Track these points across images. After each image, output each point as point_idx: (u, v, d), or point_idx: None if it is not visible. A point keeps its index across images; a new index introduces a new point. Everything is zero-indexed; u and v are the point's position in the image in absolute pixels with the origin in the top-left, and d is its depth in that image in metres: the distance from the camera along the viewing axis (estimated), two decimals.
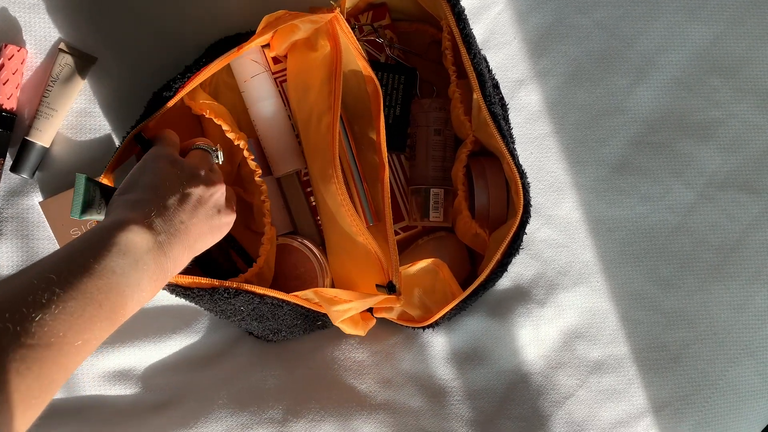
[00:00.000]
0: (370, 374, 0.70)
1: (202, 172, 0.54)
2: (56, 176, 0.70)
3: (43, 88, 0.69)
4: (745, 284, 0.76)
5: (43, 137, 0.68)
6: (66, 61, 0.69)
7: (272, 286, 0.65)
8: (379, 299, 0.59)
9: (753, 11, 0.80)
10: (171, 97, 0.59)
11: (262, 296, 0.60)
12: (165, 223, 0.47)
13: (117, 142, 0.71)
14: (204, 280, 0.59)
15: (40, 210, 0.68)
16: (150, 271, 0.45)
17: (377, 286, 0.58)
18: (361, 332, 0.65)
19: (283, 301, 0.61)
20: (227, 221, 0.56)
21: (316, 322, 0.68)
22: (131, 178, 0.51)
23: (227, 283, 0.59)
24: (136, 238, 0.44)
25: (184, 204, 0.50)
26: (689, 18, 0.79)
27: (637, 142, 0.77)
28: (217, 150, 0.60)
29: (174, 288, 0.59)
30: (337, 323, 0.63)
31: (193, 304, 0.69)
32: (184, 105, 0.64)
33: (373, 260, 0.61)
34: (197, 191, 0.52)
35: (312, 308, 0.64)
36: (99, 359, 0.68)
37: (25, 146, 0.68)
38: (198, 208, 0.51)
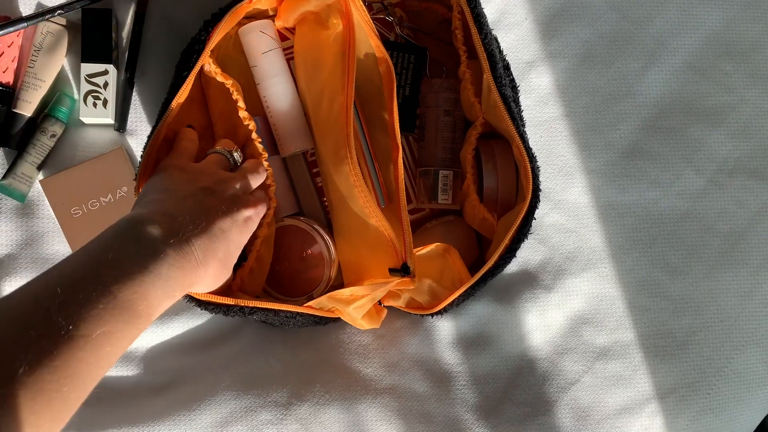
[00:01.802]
0: (375, 358, 0.69)
1: (213, 170, 0.55)
2: (57, 154, 0.68)
3: (27, 59, 0.67)
4: (753, 272, 0.76)
5: (31, 109, 0.67)
6: (48, 29, 0.67)
7: (277, 269, 0.64)
8: (393, 284, 0.58)
9: None
10: (192, 67, 0.59)
11: (276, 311, 0.59)
12: (180, 216, 0.48)
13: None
14: (218, 298, 0.58)
15: (41, 188, 0.67)
16: (170, 259, 0.45)
17: (390, 270, 0.57)
18: (377, 325, 0.64)
19: (297, 313, 0.60)
20: (246, 214, 0.55)
21: (327, 323, 0.67)
22: (143, 191, 0.53)
23: (242, 302, 0.58)
24: (151, 229, 0.45)
25: (196, 199, 0.51)
26: (702, 1, 0.78)
27: (647, 127, 0.76)
28: (233, 152, 0.60)
29: (190, 299, 0.58)
30: (357, 323, 0.63)
31: None
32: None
33: (385, 243, 0.60)
34: (209, 186, 0.53)
35: (325, 315, 0.63)
36: None
37: (13, 118, 0.66)
38: (213, 202, 0.52)
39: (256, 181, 0.60)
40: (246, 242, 0.56)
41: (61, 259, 0.43)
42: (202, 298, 0.57)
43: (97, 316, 0.39)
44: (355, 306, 0.61)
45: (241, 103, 0.63)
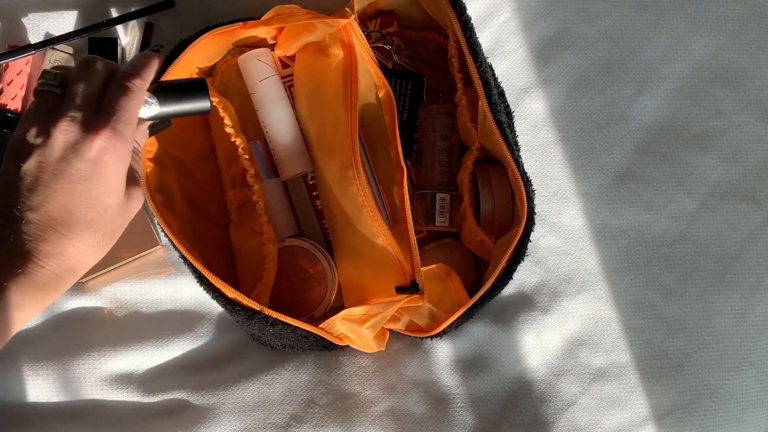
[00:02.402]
0: (374, 380, 0.69)
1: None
2: None
3: (34, 86, 0.69)
4: (747, 293, 0.77)
5: None
6: (55, 57, 0.69)
7: (278, 289, 0.65)
8: (403, 301, 0.59)
9: (755, 23, 0.81)
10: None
11: (294, 327, 0.60)
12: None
13: None
14: (245, 300, 0.58)
15: None
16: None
17: (397, 288, 0.58)
18: (383, 347, 0.65)
19: (312, 333, 0.61)
20: (89, 157, 0.43)
21: (334, 348, 0.68)
22: None
23: (267, 311, 0.58)
24: None
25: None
26: (692, 29, 0.80)
27: (640, 151, 0.77)
28: (58, 73, 0.46)
29: (217, 296, 0.59)
30: (368, 345, 0.63)
31: (196, 309, 0.70)
32: None
33: (391, 262, 0.61)
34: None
35: (334, 342, 0.63)
36: (100, 362, 0.67)
37: None
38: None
39: (94, 85, 0.46)
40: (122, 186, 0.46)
41: None
42: (231, 296, 0.58)
43: None
44: (368, 325, 0.62)
45: (227, 120, 0.65)
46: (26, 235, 0.42)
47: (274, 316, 0.59)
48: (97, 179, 0.44)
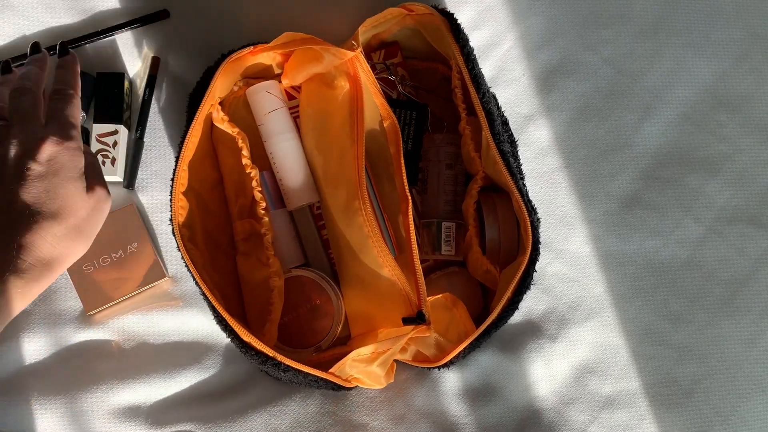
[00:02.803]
0: (382, 411, 0.69)
1: None
2: None
3: None
4: (756, 319, 0.76)
5: None
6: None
7: (285, 320, 0.65)
8: (410, 333, 0.59)
9: (757, 47, 0.81)
10: (199, 103, 0.63)
11: (305, 373, 0.60)
12: None
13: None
14: (260, 345, 0.58)
15: None
16: None
17: (404, 319, 0.58)
18: (391, 379, 0.65)
19: (321, 378, 0.61)
20: (36, 170, 0.49)
21: (340, 389, 0.67)
22: None
23: (280, 358, 0.58)
24: None
25: None
26: (695, 54, 0.80)
27: (645, 177, 0.77)
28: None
29: (233, 338, 0.59)
30: (380, 382, 0.63)
31: (203, 341, 0.70)
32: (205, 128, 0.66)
33: (397, 293, 0.61)
34: None
35: (343, 385, 0.63)
36: (108, 395, 0.67)
37: None
38: None
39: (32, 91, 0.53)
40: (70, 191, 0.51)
41: None
42: (246, 339, 0.58)
43: None
44: (378, 362, 0.61)
45: (245, 152, 0.66)
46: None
47: (286, 363, 0.59)
48: (52, 176, 0.49)
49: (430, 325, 0.59)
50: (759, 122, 0.80)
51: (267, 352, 0.58)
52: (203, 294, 0.59)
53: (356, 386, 0.65)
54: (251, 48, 0.66)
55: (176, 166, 0.62)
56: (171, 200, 0.61)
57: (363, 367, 0.62)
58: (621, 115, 0.78)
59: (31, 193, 0.49)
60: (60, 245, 0.50)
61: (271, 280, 0.64)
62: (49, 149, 0.49)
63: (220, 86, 0.67)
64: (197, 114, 0.62)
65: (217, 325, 0.60)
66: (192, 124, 0.62)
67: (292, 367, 0.59)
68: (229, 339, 0.60)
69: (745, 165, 0.79)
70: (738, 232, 0.78)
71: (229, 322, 0.58)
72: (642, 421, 0.73)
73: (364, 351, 0.60)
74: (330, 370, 0.60)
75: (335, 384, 0.63)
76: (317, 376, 0.60)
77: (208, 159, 0.69)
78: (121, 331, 0.69)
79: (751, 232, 0.78)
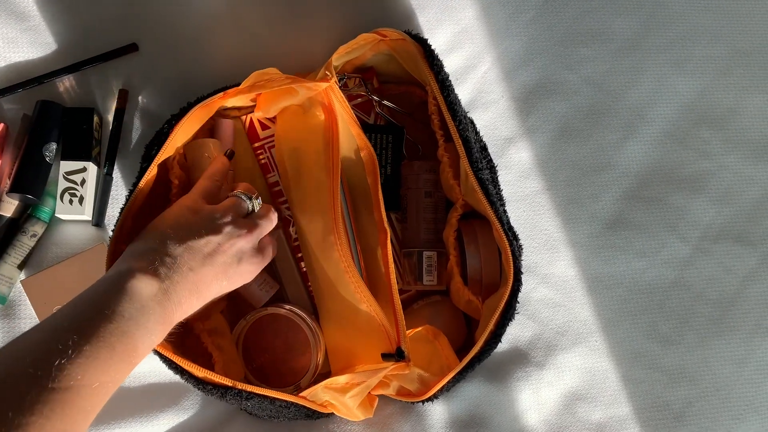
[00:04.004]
0: None
1: (227, 219, 0.55)
2: (37, 252, 0.68)
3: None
4: (746, 338, 0.75)
5: (11, 209, 0.67)
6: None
7: (260, 361, 0.63)
8: (389, 369, 0.57)
9: (738, 62, 0.80)
10: (152, 158, 0.60)
11: (272, 399, 0.58)
12: (170, 270, 0.50)
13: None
14: (216, 377, 0.56)
15: (22, 288, 0.66)
16: (156, 314, 0.48)
17: (384, 355, 0.57)
18: (370, 414, 0.63)
19: (292, 403, 0.59)
20: (250, 269, 0.57)
21: (319, 417, 0.66)
22: (152, 224, 0.54)
23: (240, 386, 0.57)
24: (140, 284, 0.48)
25: (196, 252, 0.52)
26: (676, 71, 0.79)
27: (629, 197, 0.76)
28: (252, 198, 0.59)
29: (188, 378, 0.57)
30: (353, 414, 0.61)
31: (181, 381, 0.67)
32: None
33: (377, 328, 0.59)
34: (215, 239, 0.54)
35: (317, 410, 0.61)
36: None
37: None
38: (214, 256, 0.53)
39: (266, 229, 0.59)
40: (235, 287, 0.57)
41: (58, 310, 0.45)
42: (200, 376, 0.56)
43: (99, 368, 0.42)
44: (351, 394, 0.60)
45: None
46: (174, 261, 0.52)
47: (248, 389, 0.57)
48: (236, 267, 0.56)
49: (409, 362, 0.57)
50: (742, 137, 0.79)
51: (225, 383, 0.57)
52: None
53: (333, 413, 0.63)
54: (221, 94, 0.63)
55: (119, 218, 0.58)
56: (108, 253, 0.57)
57: (336, 396, 0.60)
58: (603, 135, 0.77)
59: (221, 273, 0.55)
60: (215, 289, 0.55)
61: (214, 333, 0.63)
62: (254, 263, 0.58)
63: (189, 129, 0.65)
64: (149, 168, 0.59)
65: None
66: (143, 178, 0.59)
67: (255, 394, 0.57)
68: (187, 381, 0.58)
69: (729, 182, 0.78)
70: (725, 251, 0.76)
71: (176, 361, 0.56)
72: None
73: (339, 380, 0.59)
74: (301, 394, 0.59)
75: (309, 410, 0.61)
76: (290, 402, 0.59)
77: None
78: None
79: (738, 250, 0.76)
